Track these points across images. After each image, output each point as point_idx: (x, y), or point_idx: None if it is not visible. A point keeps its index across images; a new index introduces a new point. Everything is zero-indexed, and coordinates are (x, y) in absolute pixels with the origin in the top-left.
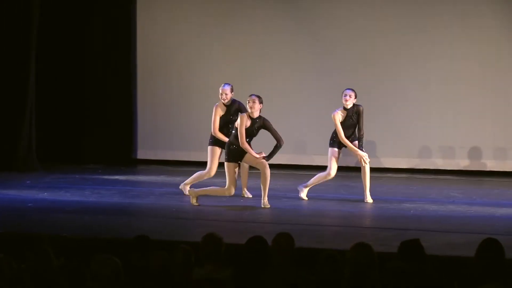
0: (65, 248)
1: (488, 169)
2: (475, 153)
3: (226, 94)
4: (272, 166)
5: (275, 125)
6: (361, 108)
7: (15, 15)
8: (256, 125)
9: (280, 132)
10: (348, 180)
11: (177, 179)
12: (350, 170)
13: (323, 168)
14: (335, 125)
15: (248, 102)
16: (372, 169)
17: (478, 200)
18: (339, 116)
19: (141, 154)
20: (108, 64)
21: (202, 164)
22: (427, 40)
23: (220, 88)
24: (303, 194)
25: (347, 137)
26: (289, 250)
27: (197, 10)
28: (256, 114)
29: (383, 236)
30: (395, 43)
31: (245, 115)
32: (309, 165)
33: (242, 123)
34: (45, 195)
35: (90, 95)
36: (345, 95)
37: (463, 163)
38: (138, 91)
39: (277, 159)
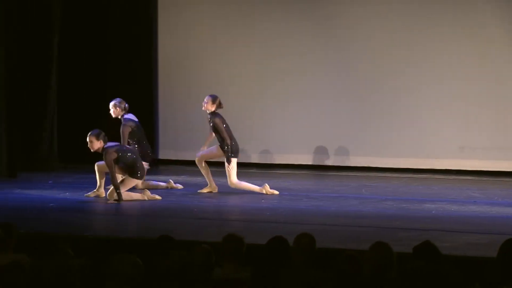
0: (86, 248)
1: (509, 169)
2: (496, 153)
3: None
4: (293, 167)
5: (295, 125)
6: (216, 120)
7: (37, 16)
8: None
9: (300, 132)
10: (369, 180)
11: (198, 179)
12: (371, 171)
13: (344, 168)
14: None
15: None
16: (393, 170)
17: (500, 200)
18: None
19: (162, 154)
20: (129, 65)
21: (222, 164)
22: (442, 37)
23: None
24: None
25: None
26: (310, 250)
27: (217, 12)
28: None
29: (404, 236)
30: (410, 40)
31: None
32: (331, 166)
33: None
34: (66, 195)
35: (112, 96)
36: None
37: (484, 164)
38: (159, 92)
39: (298, 160)
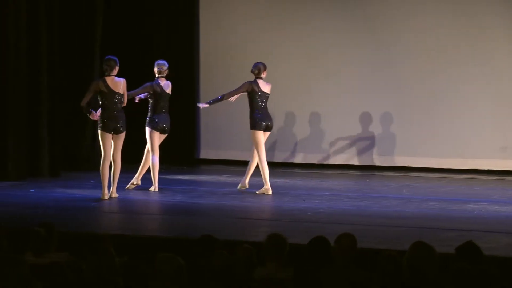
0: (127, 247)
1: None
2: None
3: None
4: (334, 167)
5: (335, 125)
6: None
7: (81, 15)
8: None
9: (339, 132)
10: (411, 180)
11: (239, 179)
12: (412, 171)
13: (385, 168)
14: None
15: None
16: (434, 170)
17: None
18: None
19: (204, 154)
20: (171, 64)
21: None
22: (487, 37)
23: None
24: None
25: None
26: (351, 250)
27: (259, 10)
28: None
29: (446, 236)
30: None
31: None
32: (371, 166)
33: None
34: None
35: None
36: None
37: None
38: (201, 91)
39: (337, 160)
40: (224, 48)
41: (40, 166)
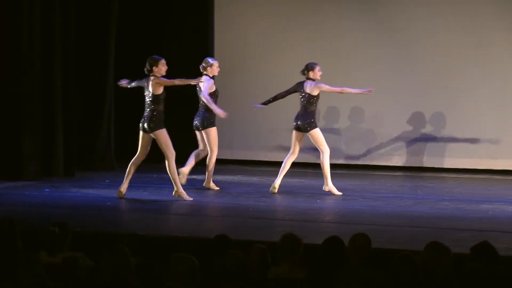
0: (142, 247)
1: None
2: None
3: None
4: (347, 167)
5: (348, 125)
6: None
7: (95, 17)
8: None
9: (352, 132)
10: (425, 180)
11: (253, 178)
12: (427, 171)
13: (399, 168)
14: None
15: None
16: (449, 170)
17: None
18: None
19: (218, 153)
20: (185, 65)
21: (278, 164)
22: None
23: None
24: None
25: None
26: (365, 250)
27: (274, 10)
28: None
29: (460, 237)
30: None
31: None
32: (386, 166)
33: None
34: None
35: (167, 95)
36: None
37: None
38: None
39: (351, 160)
40: (238, 47)
41: (55, 166)
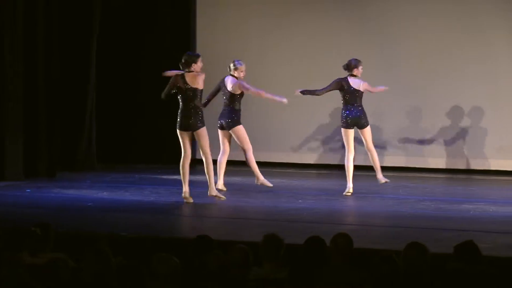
0: (123, 248)
1: None
2: None
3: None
4: (330, 167)
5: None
6: None
7: (78, 17)
8: None
9: (335, 133)
10: (407, 180)
11: (235, 179)
12: (409, 171)
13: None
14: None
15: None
16: (432, 170)
17: None
18: None
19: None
20: (167, 66)
21: (262, 164)
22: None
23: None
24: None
25: None
26: (347, 250)
27: (259, 11)
28: None
29: (442, 236)
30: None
31: None
32: (367, 166)
33: None
34: (104, 194)
35: (148, 94)
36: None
37: None
38: None
39: (333, 159)
40: (221, 49)
41: (37, 167)
